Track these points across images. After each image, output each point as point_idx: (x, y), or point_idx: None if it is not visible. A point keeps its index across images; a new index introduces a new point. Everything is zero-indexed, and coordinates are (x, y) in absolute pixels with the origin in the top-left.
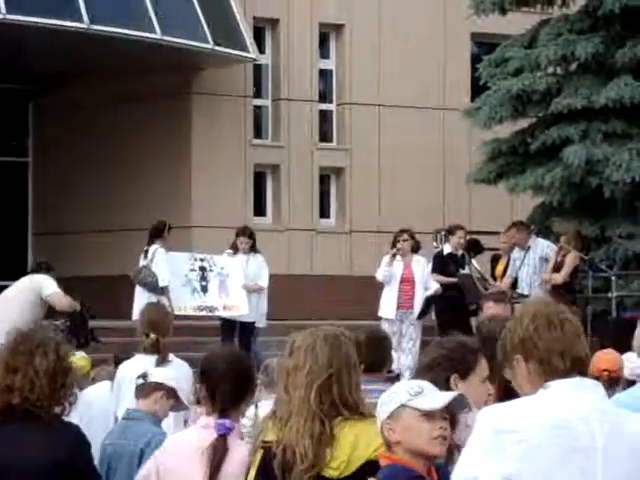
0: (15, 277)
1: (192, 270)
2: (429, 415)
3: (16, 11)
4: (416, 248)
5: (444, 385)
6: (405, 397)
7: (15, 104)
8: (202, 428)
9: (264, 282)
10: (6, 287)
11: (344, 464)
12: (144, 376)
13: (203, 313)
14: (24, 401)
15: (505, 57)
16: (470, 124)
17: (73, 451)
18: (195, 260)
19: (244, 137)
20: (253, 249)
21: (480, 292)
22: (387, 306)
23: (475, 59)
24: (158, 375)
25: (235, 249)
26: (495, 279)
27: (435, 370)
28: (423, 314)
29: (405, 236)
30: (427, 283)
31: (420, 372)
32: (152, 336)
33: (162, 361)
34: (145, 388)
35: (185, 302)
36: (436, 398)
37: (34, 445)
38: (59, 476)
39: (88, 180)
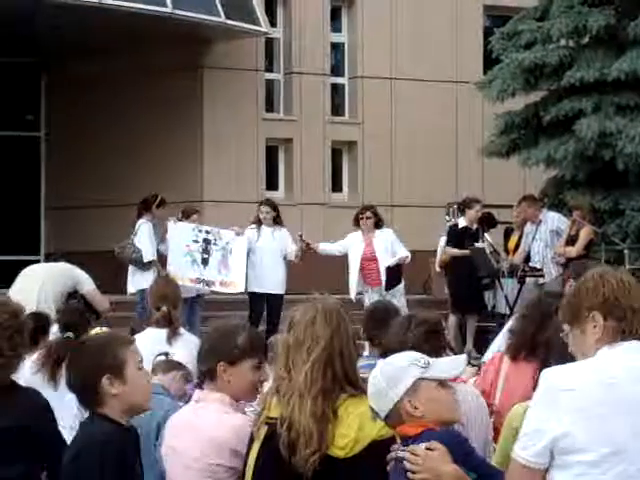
0: (28, 251)
1: (195, 241)
2: (444, 383)
3: None
4: (379, 224)
5: None
6: (418, 370)
7: (27, 79)
8: (195, 402)
9: (291, 255)
10: (20, 262)
11: (351, 443)
12: (166, 354)
13: (199, 286)
14: None
15: (517, 30)
16: (483, 97)
17: (26, 416)
18: (200, 232)
19: (256, 111)
20: (277, 222)
21: (493, 266)
22: (351, 286)
23: (488, 32)
24: (181, 357)
25: (259, 222)
26: (508, 252)
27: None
28: (390, 285)
29: (368, 213)
30: (395, 252)
31: None
32: (163, 309)
33: (173, 334)
34: (166, 364)
35: (183, 273)
36: (449, 365)
37: None
38: (15, 443)
39: (100, 154)
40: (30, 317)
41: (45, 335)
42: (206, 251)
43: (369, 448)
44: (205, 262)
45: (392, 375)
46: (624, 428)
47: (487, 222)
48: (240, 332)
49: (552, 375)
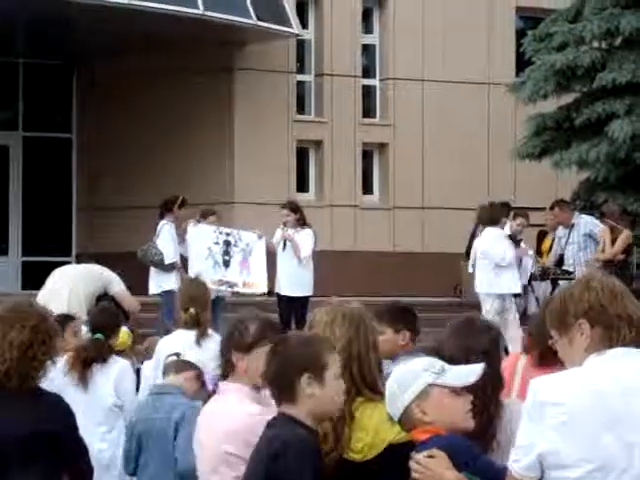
0: (60, 252)
1: (216, 243)
2: (457, 391)
3: None
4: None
5: None
6: (430, 377)
7: (59, 80)
8: (218, 395)
9: (304, 252)
10: (51, 263)
11: (367, 447)
12: (177, 355)
13: (222, 288)
14: None
15: (550, 32)
16: (515, 99)
17: (50, 421)
18: (220, 233)
19: (287, 113)
20: (301, 223)
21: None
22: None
23: (520, 34)
24: (192, 356)
25: (285, 224)
26: (541, 255)
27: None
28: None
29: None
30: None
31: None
32: (191, 310)
33: (202, 335)
34: (178, 364)
35: (206, 275)
36: (463, 373)
37: (7, 418)
38: (38, 447)
39: (132, 155)
40: (59, 318)
41: (75, 337)
42: (227, 253)
43: (385, 452)
44: (226, 264)
45: (404, 379)
46: (612, 442)
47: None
48: (252, 321)
49: (540, 387)
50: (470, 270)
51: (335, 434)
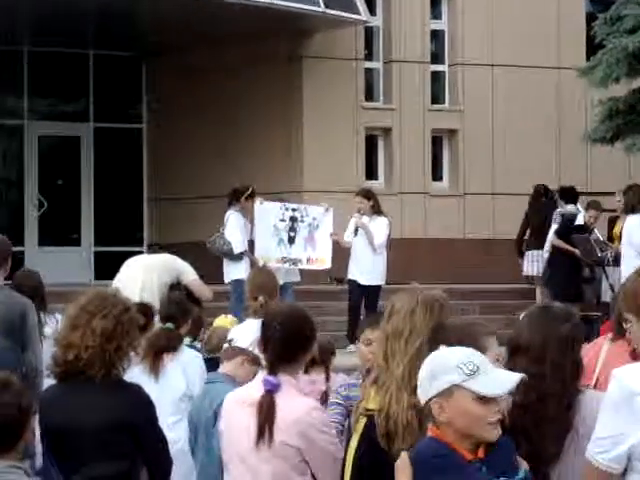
0: (131, 243)
1: (282, 220)
2: (486, 398)
3: None
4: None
5: None
6: (459, 376)
7: (129, 71)
8: (256, 384)
9: (377, 240)
10: (124, 253)
11: None
12: (230, 341)
13: (286, 265)
14: (77, 360)
15: (621, 15)
16: (586, 83)
17: (130, 412)
18: (286, 210)
19: (355, 100)
20: (375, 210)
21: (597, 254)
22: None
23: (590, 17)
24: (243, 341)
25: (359, 211)
26: (613, 240)
27: None
28: None
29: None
30: None
31: None
32: (260, 299)
33: None
34: (228, 352)
35: (270, 253)
36: (496, 381)
37: (89, 406)
38: (117, 437)
39: (201, 145)
40: (137, 308)
41: (149, 326)
42: (293, 229)
43: None
44: (291, 240)
45: (434, 370)
46: None
47: (567, 195)
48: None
49: (625, 376)
50: (546, 255)
51: (418, 425)
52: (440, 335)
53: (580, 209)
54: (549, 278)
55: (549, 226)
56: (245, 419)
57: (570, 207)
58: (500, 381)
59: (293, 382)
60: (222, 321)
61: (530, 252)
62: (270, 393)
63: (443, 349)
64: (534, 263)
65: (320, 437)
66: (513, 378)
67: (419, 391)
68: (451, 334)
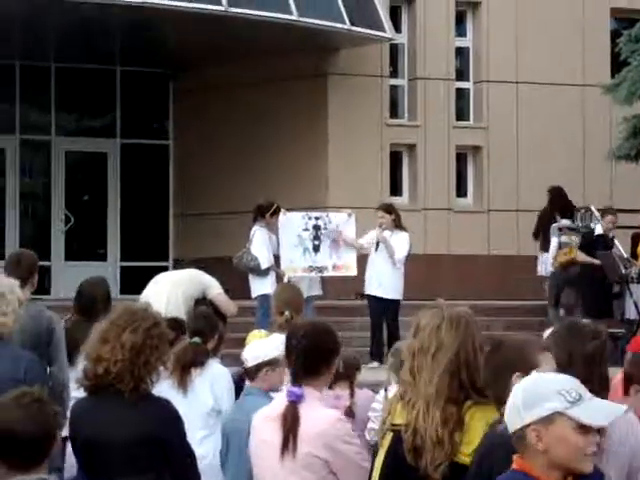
0: (157, 258)
1: (305, 230)
2: (586, 428)
3: None
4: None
5: None
6: (562, 404)
7: (156, 87)
8: (281, 399)
9: (398, 254)
10: (150, 268)
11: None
12: (243, 362)
13: (313, 274)
14: (107, 373)
15: None
16: (610, 100)
17: (159, 426)
18: (309, 219)
19: (380, 117)
20: (397, 225)
21: (621, 271)
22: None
23: (615, 34)
24: (251, 358)
25: (381, 226)
26: (636, 258)
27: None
28: None
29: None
30: None
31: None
32: (286, 314)
33: None
34: (249, 374)
35: (296, 263)
36: (600, 410)
37: (118, 420)
38: (146, 451)
39: (228, 161)
40: (167, 323)
41: (178, 341)
42: (317, 237)
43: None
44: (316, 249)
45: (532, 397)
46: None
47: (564, 210)
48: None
49: None
50: (550, 268)
51: (446, 440)
52: (497, 353)
53: (597, 216)
54: (580, 293)
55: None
56: (270, 433)
57: (565, 222)
58: (603, 411)
59: (317, 394)
60: (255, 335)
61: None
62: (294, 404)
63: (537, 375)
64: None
65: (346, 447)
66: (616, 409)
67: (508, 419)
68: (508, 351)
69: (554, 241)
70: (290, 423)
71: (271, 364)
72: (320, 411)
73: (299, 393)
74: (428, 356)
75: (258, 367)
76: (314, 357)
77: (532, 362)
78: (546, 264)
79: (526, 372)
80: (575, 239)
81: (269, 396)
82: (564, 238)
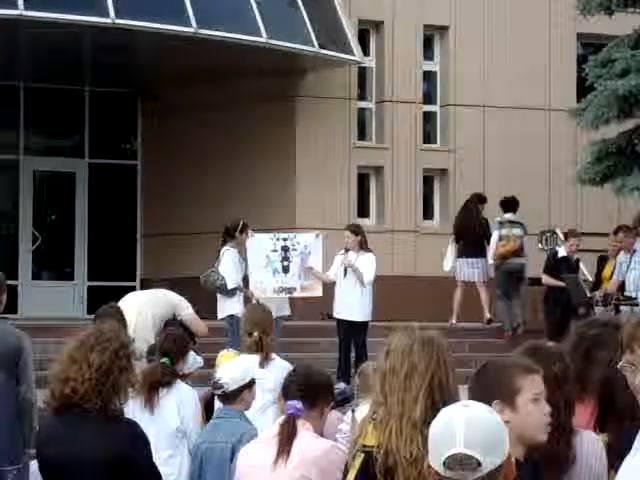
0: (125, 278)
1: (274, 251)
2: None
3: (125, 16)
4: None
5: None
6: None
7: (124, 108)
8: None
9: (367, 277)
10: (118, 288)
11: None
12: (219, 387)
13: (282, 295)
14: (74, 393)
15: (611, 58)
16: (576, 125)
17: (126, 447)
18: (277, 240)
19: (348, 139)
20: (363, 246)
21: (586, 295)
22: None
23: (581, 59)
24: (232, 381)
25: (346, 249)
26: (602, 281)
27: None
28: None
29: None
30: None
31: None
32: (255, 335)
33: (265, 359)
34: (228, 396)
35: (265, 284)
36: None
37: (85, 440)
38: (113, 472)
39: (195, 182)
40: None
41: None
42: (286, 258)
43: None
44: (286, 270)
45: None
46: None
47: (507, 204)
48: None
49: None
50: (491, 261)
51: (419, 461)
52: (478, 378)
53: (561, 238)
54: (548, 315)
55: (484, 234)
56: (260, 458)
57: (508, 215)
58: None
59: (307, 426)
60: (227, 357)
61: (468, 259)
62: (293, 417)
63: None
64: (474, 270)
65: (339, 475)
66: None
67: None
68: (488, 377)
69: (495, 234)
70: (287, 435)
71: (250, 386)
72: (314, 440)
73: (299, 407)
74: (400, 377)
75: (240, 390)
76: (309, 391)
77: (511, 388)
78: (478, 268)
79: (504, 398)
80: (516, 232)
81: (245, 417)
82: (504, 231)
